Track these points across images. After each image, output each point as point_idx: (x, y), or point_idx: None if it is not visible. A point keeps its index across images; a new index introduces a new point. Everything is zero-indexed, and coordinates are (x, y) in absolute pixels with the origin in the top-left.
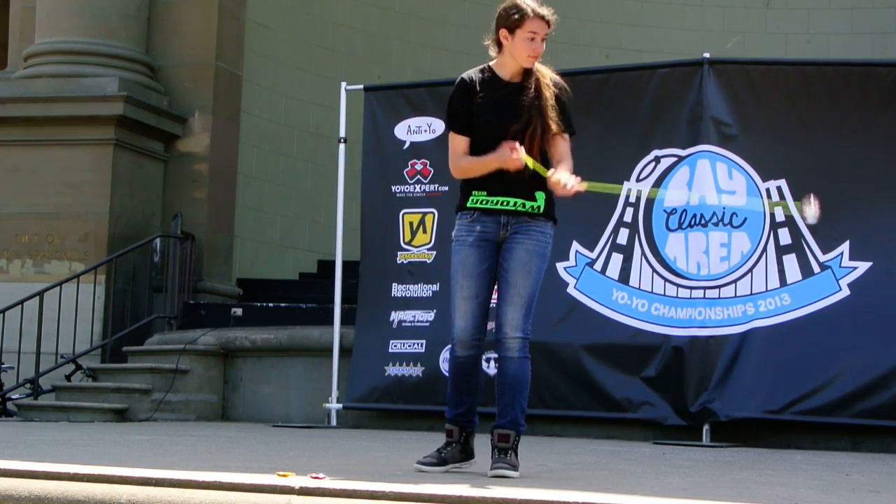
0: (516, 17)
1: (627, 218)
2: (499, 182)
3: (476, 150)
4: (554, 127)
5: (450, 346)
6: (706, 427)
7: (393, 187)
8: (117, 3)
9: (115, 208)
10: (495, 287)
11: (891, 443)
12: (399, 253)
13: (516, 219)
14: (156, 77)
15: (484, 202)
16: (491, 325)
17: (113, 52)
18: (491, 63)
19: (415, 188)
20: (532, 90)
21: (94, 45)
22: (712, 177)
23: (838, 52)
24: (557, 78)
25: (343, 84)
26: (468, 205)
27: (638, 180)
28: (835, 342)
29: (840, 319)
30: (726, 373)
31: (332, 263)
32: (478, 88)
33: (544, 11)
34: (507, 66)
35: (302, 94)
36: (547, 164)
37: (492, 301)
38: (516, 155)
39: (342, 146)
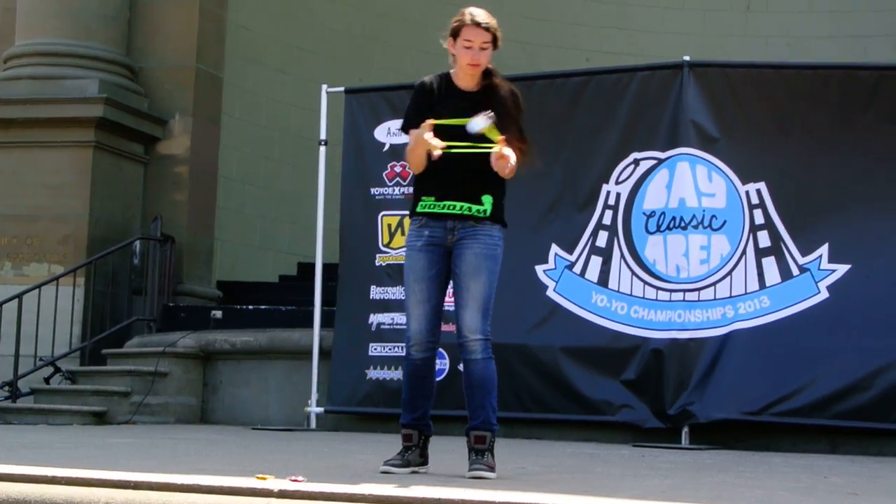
0: (456, 25)
1: (607, 220)
2: (446, 187)
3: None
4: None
5: (405, 350)
6: (685, 429)
7: (372, 190)
8: (98, 5)
9: (94, 210)
10: (448, 292)
11: (869, 445)
12: (378, 255)
13: (462, 223)
14: (136, 79)
15: (431, 206)
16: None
17: (93, 54)
18: (450, 71)
19: (394, 190)
20: (490, 101)
21: (74, 46)
22: (692, 180)
23: (818, 55)
24: (515, 89)
25: (324, 86)
26: (417, 210)
27: (617, 182)
28: (814, 344)
29: (819, 322)
30: (705, 375)
31: (312, 266)
32: (436, 94)
33: (481, 19)
34: (460, 76)
35: (283, 97)
36: (490, 176)
37: (445, 305)
38: (427, 135)
39: (323, 148)
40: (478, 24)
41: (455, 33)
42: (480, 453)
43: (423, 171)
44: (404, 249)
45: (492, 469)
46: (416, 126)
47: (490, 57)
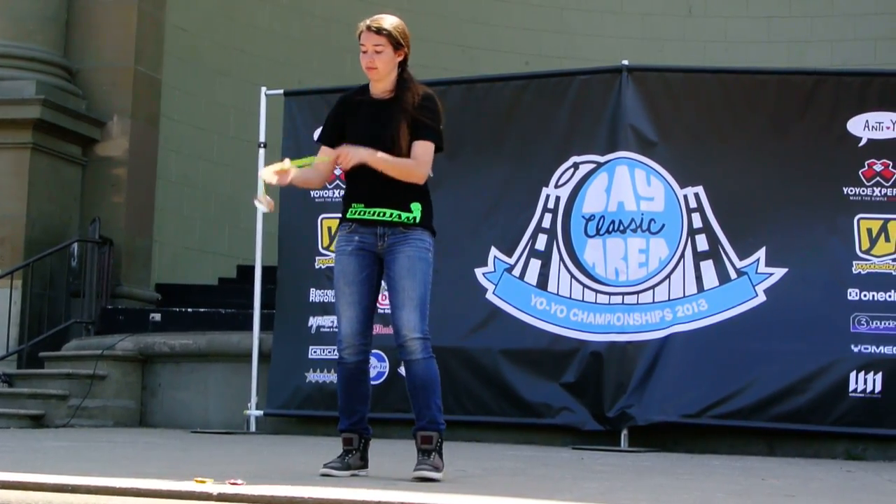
0: (357, 34)
1: (546, 224)
2: (375, 194)
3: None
4: (402, 140)
5: (338, 354)
6: (624, 432)
7: (312, 193)
8: (35, 6)
9: (31, 212)
10: (377, 299)
11: (805, 447)
12: (317, 258)
13: (392, 230)
14: (74, 80)
15: (361, 213)
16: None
17: (30, 55)
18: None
19: (334, 193)
20: (394, 104)
21: (11, 47)
22: (631, 183)
23: (755, 60)
24: (429, 92)
25: (263, 89)
26: (347, 216)
27: (557, 186)
28: (751, 347)
29: (757, 325)
30: (644, 378)
31: (251, 268)
32: (350, 105)
33: (372, 23)
34: (372, 83)
35: (222, 99)
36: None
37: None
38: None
39: (262, 151)
40: (368, 28)
41: (358, 42)
42: (427, 453)
43: (353, 178)
44: (335, 255)
45: (437, 469)
46: (327, 138)
47: (390, 61)
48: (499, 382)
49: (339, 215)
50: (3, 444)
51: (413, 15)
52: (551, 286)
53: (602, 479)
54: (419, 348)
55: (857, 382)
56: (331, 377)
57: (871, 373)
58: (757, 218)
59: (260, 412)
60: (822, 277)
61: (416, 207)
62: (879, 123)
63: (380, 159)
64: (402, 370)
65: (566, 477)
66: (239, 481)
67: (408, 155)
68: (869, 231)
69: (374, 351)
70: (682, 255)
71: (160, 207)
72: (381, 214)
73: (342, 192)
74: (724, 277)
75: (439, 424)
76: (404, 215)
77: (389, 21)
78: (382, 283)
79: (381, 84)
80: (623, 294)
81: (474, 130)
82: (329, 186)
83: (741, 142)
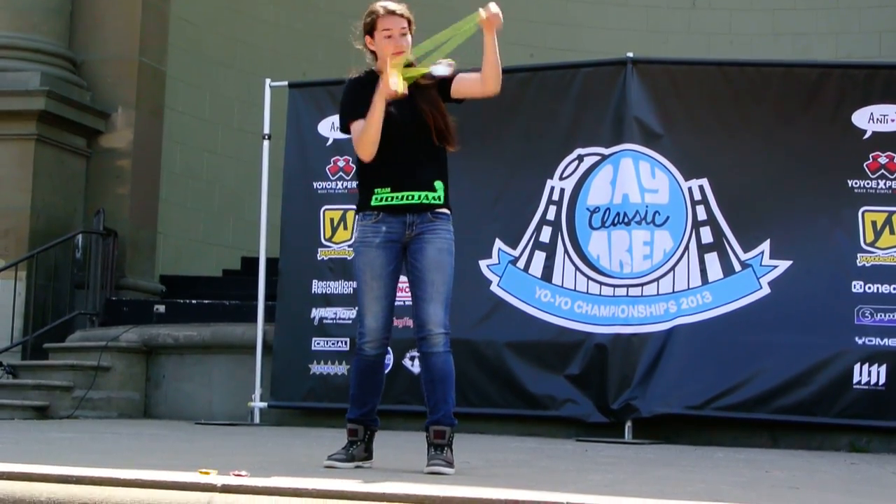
0: (369, 20)
1: (550, 216)
2: (399, 177)
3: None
4: (444, 110)
5: (358, 346)
6: (628, 424)
7: (315, 184)
8: None
9: (36, 204)
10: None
11: (809, 439)
12: (320, 249)
13: (420, 218)
14: (78, 72)
15: (388, 199)
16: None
17: (35, 47)
18: (373, 68)
19: (336, 185)
20: (416, 92)
21: (16, 39)
22: (635, 175)
23: (760, 52)
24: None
25: (267, 80)
26: (372, 203)
27: (561, 178)
28: (755, 339)
29: (761, 317)
30: (649, 370)
31: (255, 260)
32: (368, 88)
33: (394, 6)
34: (384, 70)
35: (226, 91)
36: (437, 162)
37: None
38: (392, 81)
39: (266, 143)
40: (392, 12)
41: (370, 28)
42: (440, 448)
43: (370, 164)
44: (352, 244)
45: (450, 465)
46: (360, 116)
47: (410, 43)
48: (503, 374)
49: (342, 207)
50: (8, 436)
51: (417, 6)
52: (556, 278)
53: (606, 471)
54: (442, 342)
55: (861, 375)
56: (334, 369)
57: (876, 365)
58: (761, 210)
59: (264, 404)
60: (827, 270)
61: (440, 186)
62: (884, 116)
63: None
64: (407, 363)
65: (570, 469)
66: (243, 473)
67: (449, 122)
68: (873, 223)
69: None
70: (687, 248)
71: (164, 199)
72: (410, 198)
73: (344, 184)
74: (728, 270)
75: (453, 420)
76: (431, 195)
77: (403, 4)
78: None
79: (397, 67)
80: (627, 286)
81: (478, 122)
82: (332, 178)
83: (746, 134)
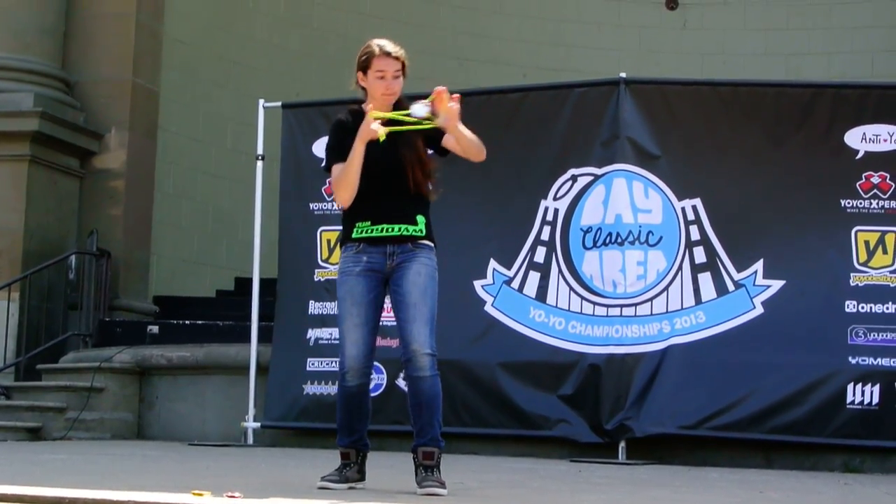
0: (364, 58)
1: (545, 236)
2: (380, 211)
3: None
4: (424, 155)
5: (339, 377)
6: (622, 444)
7: (311, 205)
8: (33, 18)
9: (29, 224)
10: (380, 319)
11: (803, 459)
12: (317, 270)
13: (401, 248)
14: (72, 93)
15: (368, 230)
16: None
17: (28, 68)
18: (364, 105)
19: (333, 206)
20: (402, 131)
21: (9, 60)
22: (628, 196)
23: (753, 72)
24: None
25: (261, 101)
26: (353, 236)
27: (555, 199)
28: (749, 359)
29: (754, 337)
30: (643, 390)
31: (249, 281)
32: (351, 129)
33: (390, 49)
34: (381, 108)
35: (220, 111)
36: (419, 197)
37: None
38: (373, 125)
39: (260, 163)
40: (388, 54)
41: (364, 66)
42: (430, 469)
43: (353, 201)
44: (340, 275)
45: (443, 486)
46: (342, 159)
47: (402, 85)
48: (497, 394)
49: (338, 227)
50: (1, 457)
51: (410, 27)
52: (550, 298)
53: (600, 491)
54: (428, 365)
55: (854, 394)
56: (329, 389)
57: (869, 385)
58: (754, 230)
59: (257, 424)
60: (820, 289)
61: (421, 220)
62: (877, 136)
63: (461, 128)
64: (401, 383)
65: (564, 489)
66: (236, 494)
67: (429, 171)
68: (866, 243)
69: None
70: (680, 268)
71: (158, 220)
72: (390, 230)
73: (341, 206)
74: (721, 289)
75: (440, 442)
76: (412, 228)
77: (399, 47)
78: (385, 301)
79: (389, 108)
80: (621, 306)
81: None
82: (328, 198)
83: (739, 154)
